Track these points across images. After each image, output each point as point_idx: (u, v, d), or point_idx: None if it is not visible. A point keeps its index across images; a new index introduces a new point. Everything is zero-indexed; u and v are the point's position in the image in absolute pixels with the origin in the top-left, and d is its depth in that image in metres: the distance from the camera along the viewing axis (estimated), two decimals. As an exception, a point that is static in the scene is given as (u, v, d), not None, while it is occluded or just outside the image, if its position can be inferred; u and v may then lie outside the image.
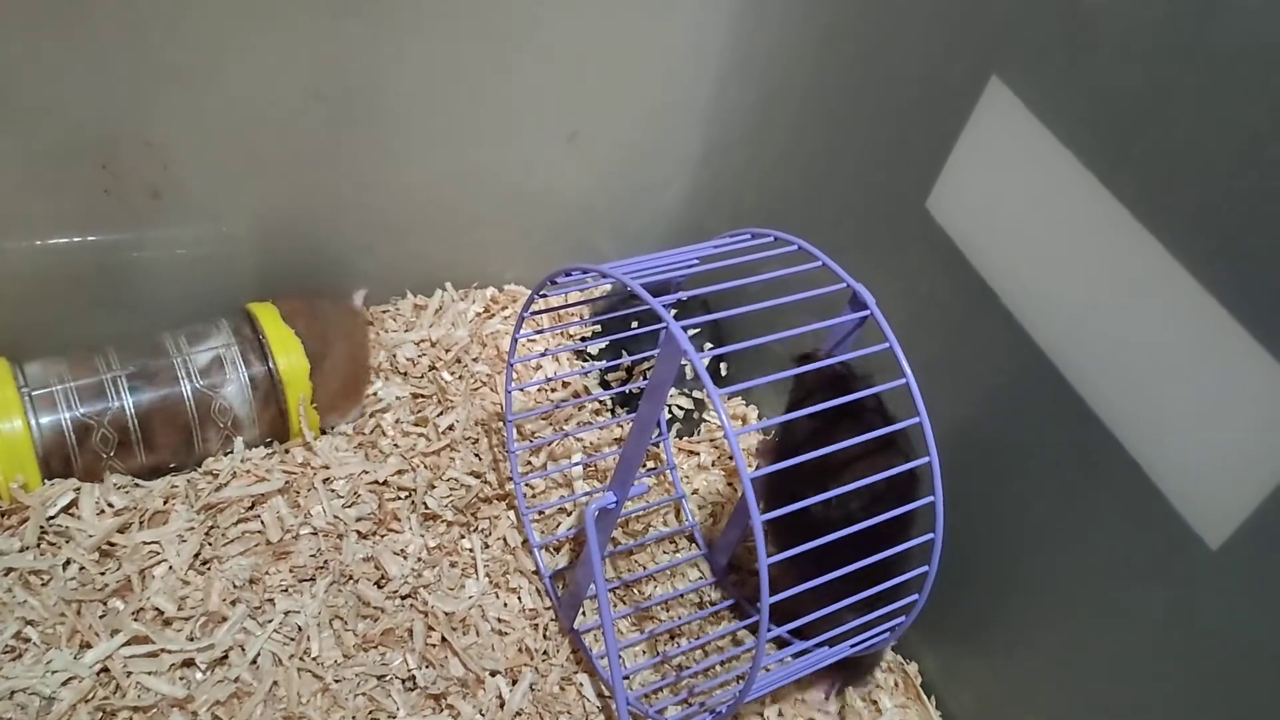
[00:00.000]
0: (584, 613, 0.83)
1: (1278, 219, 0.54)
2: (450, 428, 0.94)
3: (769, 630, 0.61)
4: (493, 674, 0.78)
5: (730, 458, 0.99)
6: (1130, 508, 0.65)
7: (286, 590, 0.80)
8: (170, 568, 0.78)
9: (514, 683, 0.78)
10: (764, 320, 0.67)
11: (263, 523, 0.83)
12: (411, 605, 0.81)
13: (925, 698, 0.85)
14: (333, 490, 0.86)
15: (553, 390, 1.00)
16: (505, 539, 0.87)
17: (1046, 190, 0.68)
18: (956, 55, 0.74)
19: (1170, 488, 0.62)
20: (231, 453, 0.86)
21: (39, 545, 0.77)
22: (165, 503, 0.82)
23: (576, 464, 0.93)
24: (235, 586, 0.78)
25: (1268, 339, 0.55)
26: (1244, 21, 0.55)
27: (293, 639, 0.77)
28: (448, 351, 1.00)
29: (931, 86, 0.77)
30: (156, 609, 0.76)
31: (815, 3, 0.87)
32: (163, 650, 0.74)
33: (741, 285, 0.69)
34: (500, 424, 0.94)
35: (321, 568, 0.81)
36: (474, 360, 1.00)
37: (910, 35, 0.79)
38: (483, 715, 0.76)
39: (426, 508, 0.86)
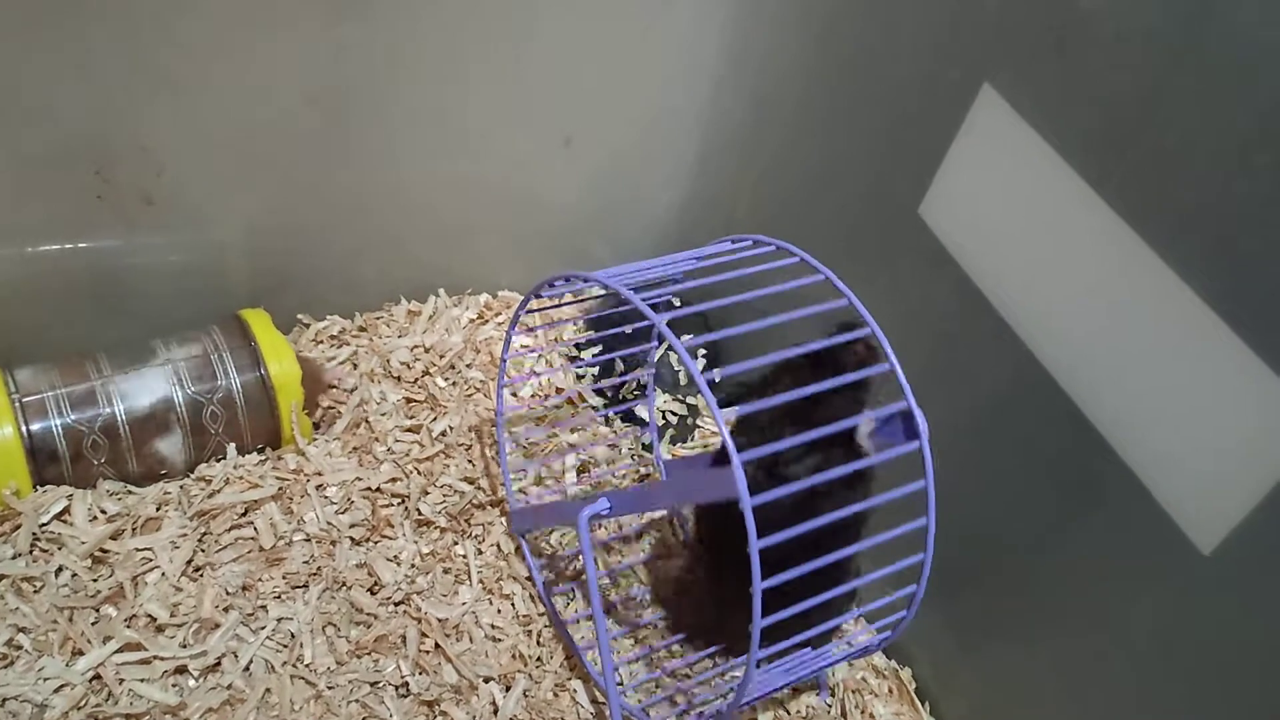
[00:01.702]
0: (577, 614, 0.83)
1: (1269, 225, 0.54)
2: (443, 434, 0.93)
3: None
4: (486, 680, 0.78)
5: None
6: (1124, 513, 0.65)
7: (279, 597, 0.79)
8: (163, 574, 0.78)
9: (507, 689, 0.78)
10: (760, 331, 0.67)
11: (255, 529, 0.82)
12: (405, 612, 0.81)
13: (919, 704, 0.85)
14: (326, 497, 0.86)
15: (545, 396, 1.00)
16: (498, 545, 0.87)
17: (1039, 196, 0.69)
18: (949, 62, 0.74)
19: (1163, 493, 0.63)
20: (224, 459, 0.86)
21: (31, 552, 0.77)
22: (158, 509, 0.82)
23: (571, 471, 0.93)
24: (228, 593, 0.78)
25: (1260, 345, 0.55)
26: (1234, 28, 0.55)
27: (285, 646, 0.77)
28: (441, 358, 1.00)
29: (924, 93, 0.77)
30: (149, 616, 0.76)
31: (808, 11, 0.88)
32: (155, 657, 0.73)
33: (744, 299, 0.69)
34: (494, 429, 0.94)
35: (314, 574, 0.81)
36: (467, 366, 1.00)
37: (903, 42, 0.79)
38: (476, 722, 0.76)
39: (420, 514, 0.86)
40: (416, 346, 1.01)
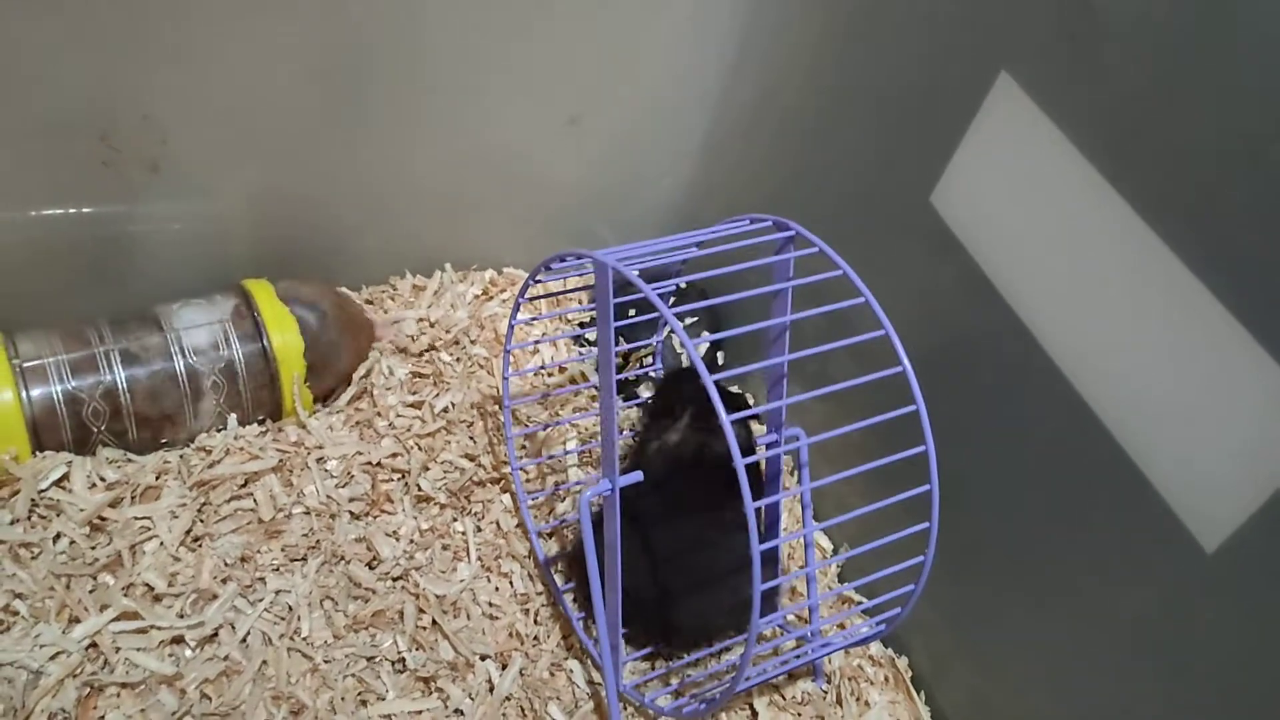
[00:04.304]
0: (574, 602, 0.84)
1: (1282, 221, 0.54)
2: (446, 410, 0.93)
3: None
4: (483, 658, 0.78)
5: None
6: (1126, 508, 0.65)
7: (278, 569, 0.79)
8: (161, 544, 0.78)
9: (504, 667, 0.78)
10: (763, 309, 0.66)
11: (255, 501, 0.82)
12: (403, 587, 0.81)
13: (915, 692, 0.85)
14: (326, 470, 0.86)
15: (549, 376, 1.00)
16: (498, 523, 0.87)
17: (1052, 187, 0.68)
18: (965, 49, 0.73)
19: (1167, 489, 0.62)
20: (224, 429, 0.86)
21: (29, 518, 0.77)
22: (157, 478, 0.82)
23: (571, 451, 0.93)
24: (226, 564, 0.78)
25: (1269, 342, 0.55)
26: (1252, 20, 0.54)
27: (283, 618, 0.77)
28: (447, 332, 1.00)
29: (938, 80, 0.76)
30: (147, 585, 0.76)
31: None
32: (152, 626, 0.73)
33: (737, 271, 0.69)
34: (496, 407, 0.94)
35: (313, 547, 0.81)
36: (472, 342, 1.00)
37: (918, 28, 0.78)
38: (472, 699, 0.76)
39: (420, 490, 0.86)
40: (422, 320, 1.00)
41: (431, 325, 1.00)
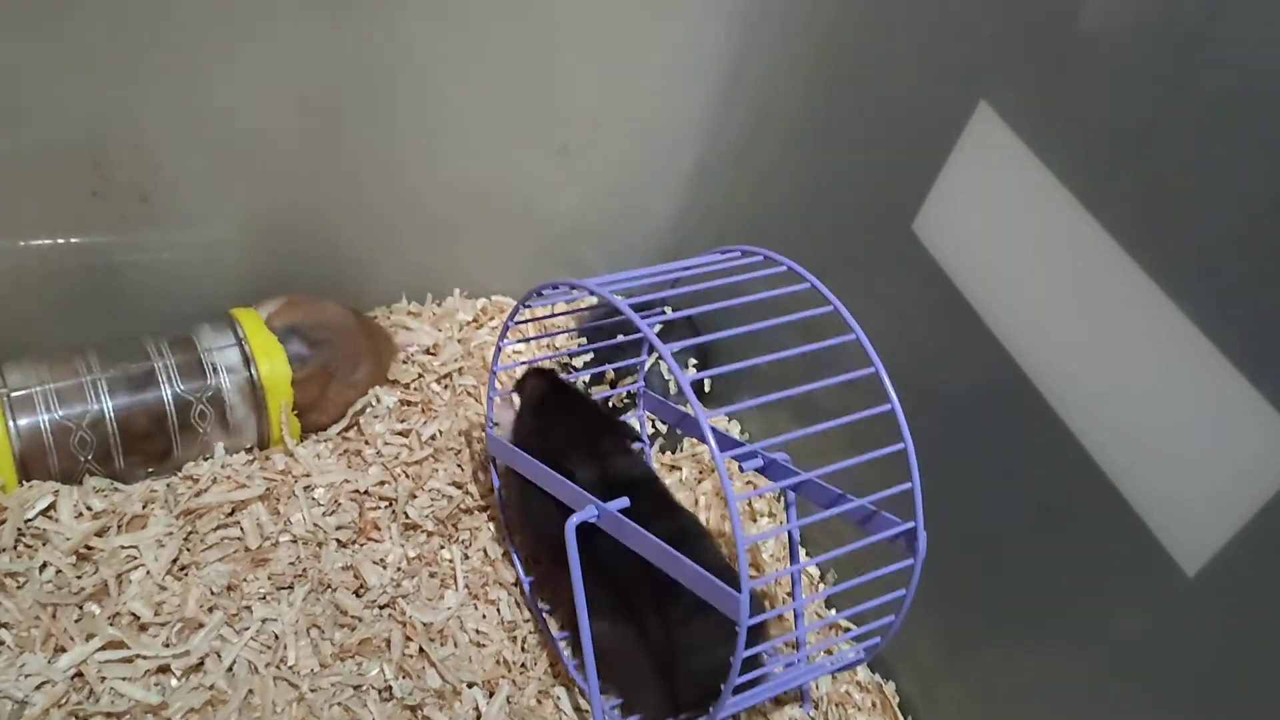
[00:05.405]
0: (562, 623, 0.83)
1: (1260, 250, 0.55)
2: (433, 438, 0.93)
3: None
4: (470, 686, 0.78)
5: (713, 471, 0.99)
6: (1110, 534, 0.65)
7: (264, 598, 0.79)
8: (148, 573, 0.78)
9: (491, 695, 0.78)
10: (750, 338, 0.67)
11: (242, 529, 0.82)
12: (390, 615, 0.81)
13: (902, 718, 0.85)
14: (313, 498, 0.86)
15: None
16: (485, 550, 0.87)
17: (1033, 216, 0.69)
18: (946, 79, 0.74)
19: (1149, 514, 0.63)
20: (212, 458, 0.86)
21: (16, 547, 0.77)
22: (144, 507, 0.82)
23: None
24: (213, 593, 0.78)
25: (1249, 370, 0.56)
26: (1232, 55, 0.55)
27: (269, 647, 0.77)
28: (439, 361, 1.00)
29: (920, 110, 0.77)
30: (133, 614, 0.75)
31: (807, 25, 0.88)
32: (138, 656, 0.73)
33: (729, 304, 0.69)
34: (483, 435, 0.94)
35: (300, 576, 0.81)
36: (459, 372, 1.00)
37: (900, 59, 0.79)
38: (459, 727, 0.76)
39: (407, 517, 0.86)
40: (413, 349, 1.01)
41: (423, 354, 1.00)
